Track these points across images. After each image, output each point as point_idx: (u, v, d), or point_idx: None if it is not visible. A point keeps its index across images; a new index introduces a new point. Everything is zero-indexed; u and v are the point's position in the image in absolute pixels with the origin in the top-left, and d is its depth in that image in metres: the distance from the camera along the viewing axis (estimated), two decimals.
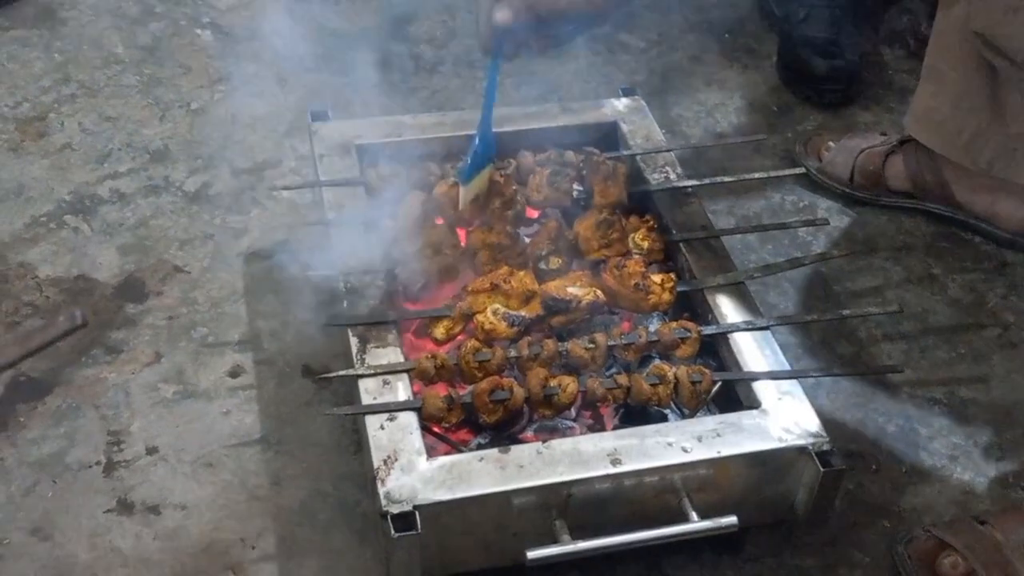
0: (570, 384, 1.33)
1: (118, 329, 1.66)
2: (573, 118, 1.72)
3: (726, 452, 1.27)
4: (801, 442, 1.28)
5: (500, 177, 1.53)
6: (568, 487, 1.23)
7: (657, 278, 1.46)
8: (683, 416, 1.38)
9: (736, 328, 1.42)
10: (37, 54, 2.18)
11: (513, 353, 1.37)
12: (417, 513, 1.19)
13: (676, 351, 1.40)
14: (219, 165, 1.95)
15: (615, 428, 1.38)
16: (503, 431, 1.37)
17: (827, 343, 1.70)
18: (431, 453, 1.26)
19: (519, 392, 1.31)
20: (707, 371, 1.36)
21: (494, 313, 1.40)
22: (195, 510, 1.43)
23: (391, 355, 1.36)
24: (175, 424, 1.53)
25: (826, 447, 1.28)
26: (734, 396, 1.38)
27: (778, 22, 2.30)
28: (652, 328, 1.43)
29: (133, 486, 1.45)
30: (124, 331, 1.65)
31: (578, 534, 1.23)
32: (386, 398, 1.31)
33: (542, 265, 1.49)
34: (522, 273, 1.44)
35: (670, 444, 1.27)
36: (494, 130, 1.46)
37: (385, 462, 1.23)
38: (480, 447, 1.34)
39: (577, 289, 1.43)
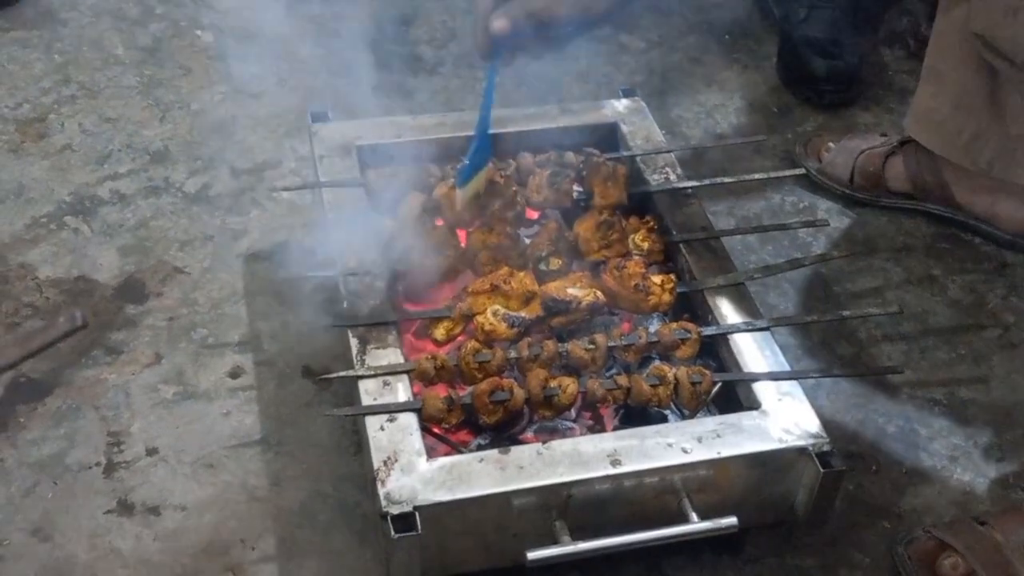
0: (570, 385, 1.33)
1: (118, 330, 1.66)
2: (573, 119, 1.73)
3: (726, 453, 1.27)
4: (801, 443, 1.28)
5: (500, 178, 1.53)
6: (568, 488, 1.23)
7: (657, 279, 1.46)
8: (683, 417, 1.38)
9: (736, 329, 1.42)
10: (37, 55, 2.19)
11: (513, 354, 1.37)
12: (417, 514, 1.19)
13: (676, 352, 1.40)
14: (219, 166, 1.95)
15: (615, 429, 1.38)
16: (503, 432, 1.37)
17: (827, 344, 1.70)
18: (431, 454, 1.26)
19: (519, 393, 1.31)
20: (707, 372, 1.36)
21: (494, 314, 1.40)
22: (195, 511, 1.43)
23: (391, 356, 1.36)
24: (175, 425, 1.53)
25: (826, 448, 1.28)
26: (734, 397, 1.38)
27: (778, 23, 2.30)
28: (652, 329, 1.43)
29: (133, 487, 1.45)
30: (124, 332, 1.65)
31: (578, 535, 1.23)
32: (386, 399, 1.31)
33: (542, 266, 1.49)
34: (522, 274, 1.44)
35: (670, 445, 1.27)
36: (494, 131, 1.46)
37: (385, 463, 1.23)
38: (480, 448, 1.34)
39: (577, 290, 1.43)
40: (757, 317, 1.44)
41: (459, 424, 1.34)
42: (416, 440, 1.26)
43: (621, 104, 1.76)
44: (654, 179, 1.64)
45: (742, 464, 1.28)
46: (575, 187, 1.60)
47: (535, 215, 1.60)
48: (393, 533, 1.17)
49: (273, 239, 1.81)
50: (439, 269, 1.47)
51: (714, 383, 1.37)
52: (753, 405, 1.33)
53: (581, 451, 1.26)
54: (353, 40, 2.06)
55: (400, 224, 1.50)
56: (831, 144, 1.98)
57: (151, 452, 1.50)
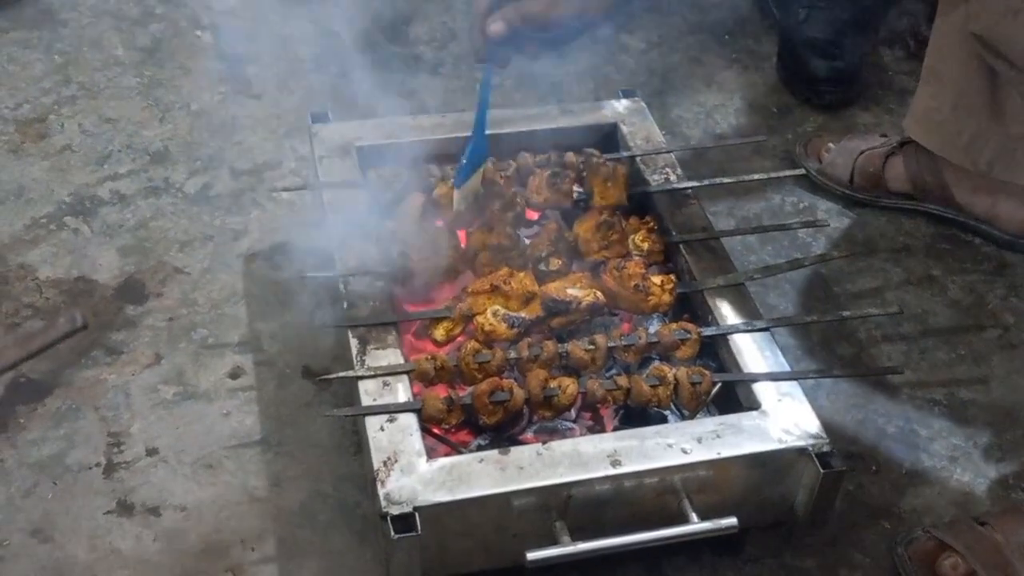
0: (570, 385, 1.33)
1: (118, 331, 1.66)
2: (573, 120, 1.73)
3: (726, 453, 1.27)
4: (801, 443, 1.28)
5: (500, 179, 1.53)
6: (568, 488, 1.23)
7: (657, 279, 1.46)
8: (683, 417, 1.38)
9: (736, 329, 1.42)
10: (37, 56, 2.19)
11: (513, 354, 1.37)
12: (417, 514, 1.19)
13: (676, 352, 1.40)
14: (219, 166, 1.95)
15: (615, 429, 1.38)
16: (503, 432, 1.37)
17: (827, 344, 1.70)
18: (431, 454, 1.26)
19: (519, 393, 1.31)
20: (707, 372, 1.36)
21: (494, 314, 1.40)
22: (195, 511, 1.43)
23: (391, 356, 1.36)
24: (175, 425, 1.53)
25: (826, 448, 1.28)
26: (734, 397, 1.38)
27: (778, 23, 2.30)
28: (652, 329, 1.43)
29: (133, 487, 1.45)
30: (124, 332, 1.65)
31: (578, 535, 1.23)
32: (386, 399, 1.31)
33: (542, 266, 1.49)
34: (522, 274, 1.44)
35: (670, 445, 1.27)
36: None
37: (385, 463, 1.23)
38: (480, 448, 1.34)
39: (577, 290, 1.43)
40: (757, 317, 1.44)
41: (459, 424, 1.34)
42: (416, 440, 1.26)
43: (621, 104, 1.76)
44: (654, 179, 1.64)
45: (742, 464, 1.28)
46: (575, 188, 1.59)
47: (535, 216, 1.60)
48: (393, 534, 1.17)
49: (273, 239, 1.81)
50: (439, 269, 1.47)
51: (714, 383, 1.37)
52: (753, 405, 1.33)
53: (581, 452, 1.26)
54: (353, 40, 2.06)
55: (400, 224, 1.50)
56: (831, 144, 1.98)
57: (151, 452, 1.50)
